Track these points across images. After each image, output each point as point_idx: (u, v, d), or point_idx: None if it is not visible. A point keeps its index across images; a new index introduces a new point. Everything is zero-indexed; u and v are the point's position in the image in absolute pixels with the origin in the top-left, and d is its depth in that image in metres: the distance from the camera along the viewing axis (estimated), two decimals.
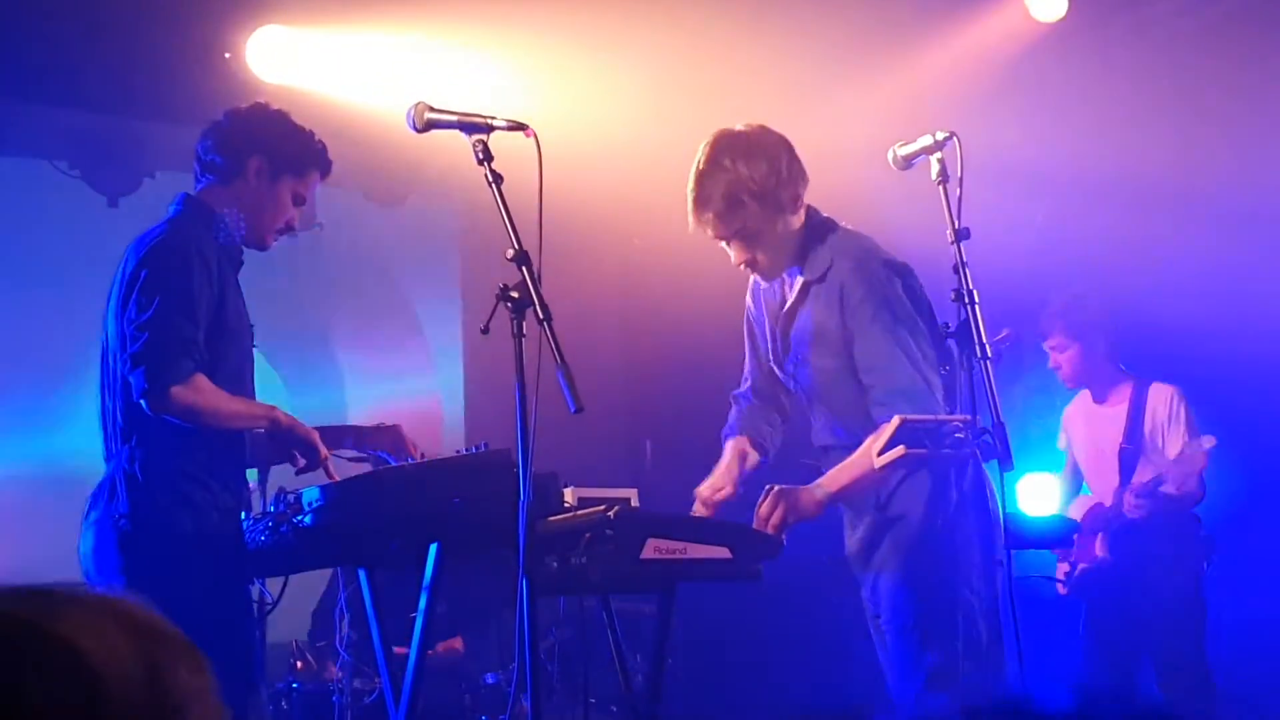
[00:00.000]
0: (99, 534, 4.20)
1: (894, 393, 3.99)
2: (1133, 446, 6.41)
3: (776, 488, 4.01)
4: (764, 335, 4.42)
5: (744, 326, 4.52)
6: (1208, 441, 6.23)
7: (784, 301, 4.28)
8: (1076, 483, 6.75)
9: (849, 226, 4.25)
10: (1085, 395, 6.67)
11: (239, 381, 4.31)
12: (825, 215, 4.24)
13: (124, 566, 4.14)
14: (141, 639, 1.30)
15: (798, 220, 4.16)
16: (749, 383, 4.55)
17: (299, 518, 4.22)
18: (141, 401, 4.08)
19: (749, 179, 4.06)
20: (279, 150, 4.41)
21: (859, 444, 4.02)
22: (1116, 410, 6.52)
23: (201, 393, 4.12)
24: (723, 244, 4.20)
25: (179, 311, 4.11)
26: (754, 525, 3.99)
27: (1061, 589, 6.54)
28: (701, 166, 4.11)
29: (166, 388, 4.06)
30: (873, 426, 3.99)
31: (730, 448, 4.46)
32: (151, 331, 4.07)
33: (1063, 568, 6.54)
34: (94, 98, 6.87)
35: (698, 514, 4.33)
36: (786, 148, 4.17)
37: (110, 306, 4.28)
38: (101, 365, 4.33)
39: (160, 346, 4.07)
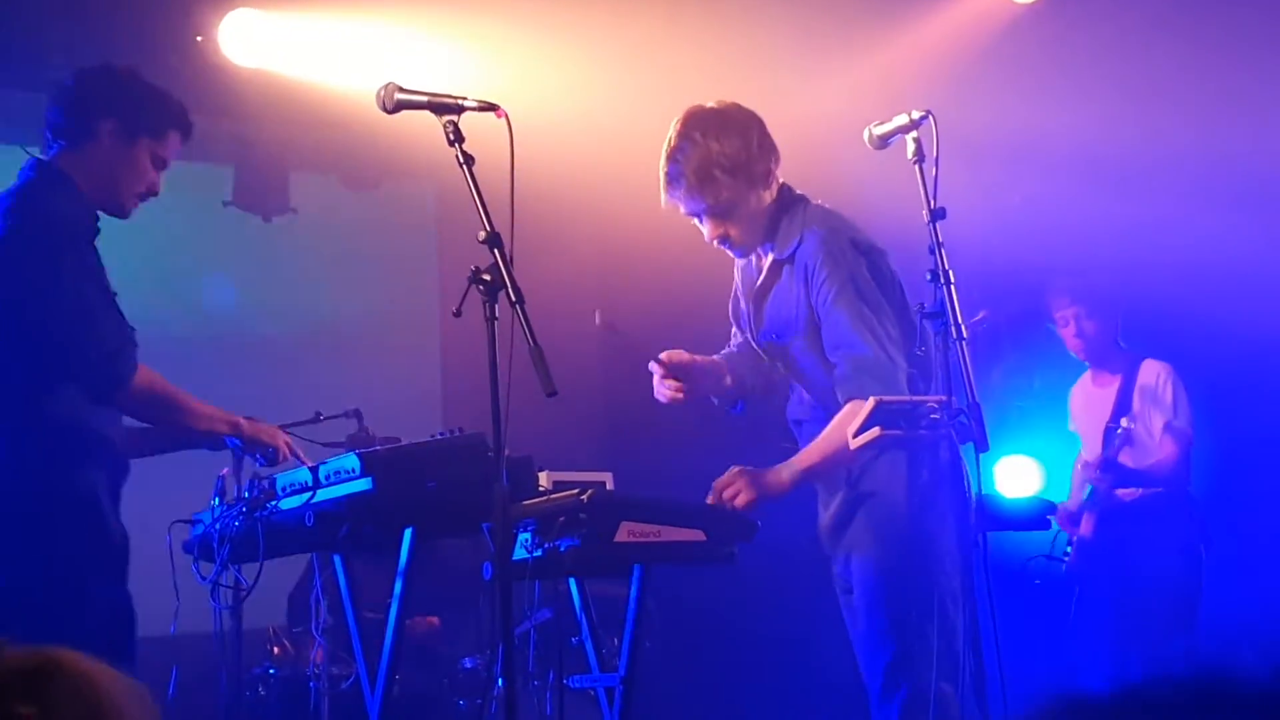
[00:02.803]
0: None
1: (858, 369, 4.00)
2: (1118, 424, 6.43)
3: (738, 468, 4.02)
4: (743, 312, 4.42)
5: (730, 303, 4.51)
6: (1158, 420, 6.26)
7: (757, 279, 4.29)
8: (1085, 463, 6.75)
9: (822, 204, 4.25)
10: (1088, 374, 6.69)
11: None
12: (798, 193, 4.23)
13: None
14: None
15: (770, 195, 4.17)
16: (734, 347, 4.53)
17: (273, 503, 4.21)
18: (105, 399, 4.00)
19: (720, 153, 4.07)
20: (133, 111, 4.27)
21: (829, 418, 4.04)
22: (1110, 388, 6.54)
23: (157, 377, 4.06)
24: (695, 220, 4.19)
25: (91, 299, 4.01)
26: (708, 499, 4.00)
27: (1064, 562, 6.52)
28: (673, 143, 4.12)
29: (122, 384, 3.99)
30: (840, 403, 4.01)
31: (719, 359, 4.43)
32: (74, 335, 3.98)
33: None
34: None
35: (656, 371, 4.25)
36: (757, 123, 4.18)
37: None
38: None
39: (93, 347, 3.99)
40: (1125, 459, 6.33)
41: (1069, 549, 6.54)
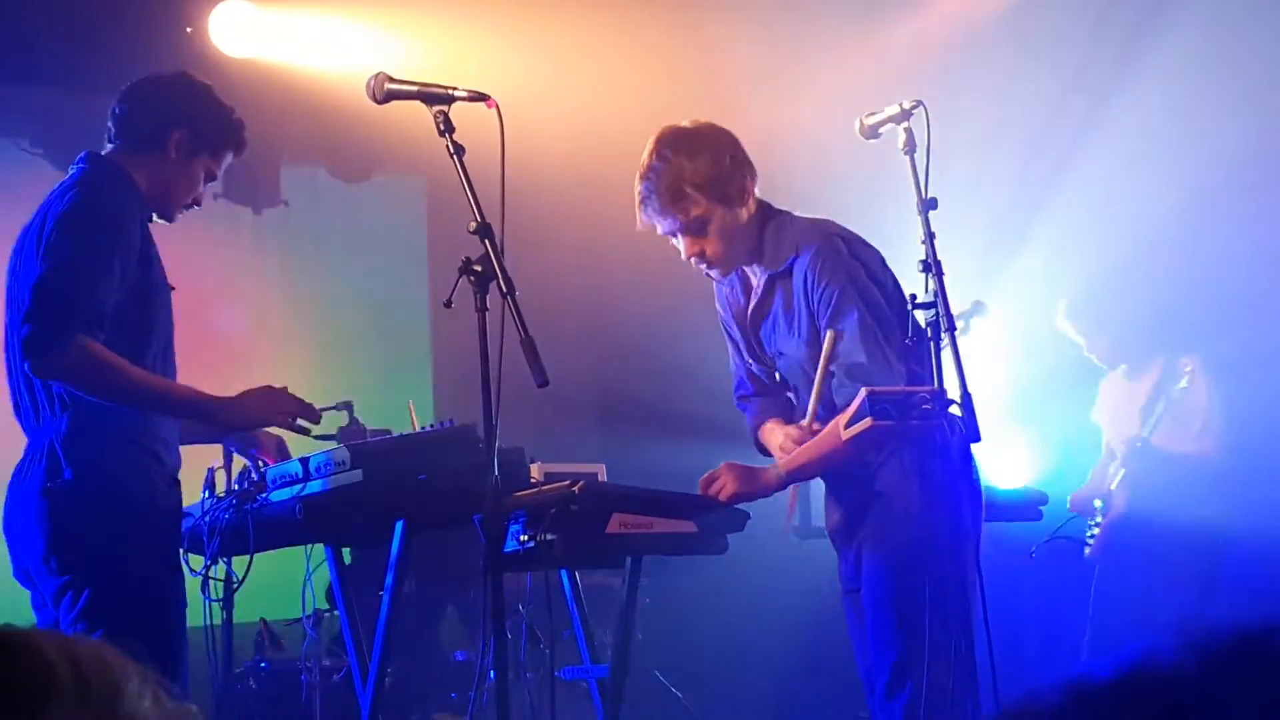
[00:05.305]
0: (31, 505, 3.99)
1: (857, 378, 3.96)
2: (1152, 414, 6.48)
3: (727, 463, 4.02)
4: (740, 338, 4.36)
5: (723, 332, 4.46)
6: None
7: (748, 302, 4.24)
8: (1111, 453, 6.78)
9: (805, 215, 4.21)
10: (1122, 368, 6.73)
11: (167, 350, 4.16)
12: (780, 208, 4.20)
13: (55, 538, 3.95)
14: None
15: (747, 213, 4.12)
16: (746, 382, 4.44)
17: (263, 496, 4.19)
18: (25, 363, 3.87)
19: (692, 171, 4.06)
20: (204, 125, 4.26)
21: None
22: (1145, 381, 6.59)
23: (93, 359, 3.87)
24: (673, 240, 4.17)
25: (83, 269, 3.92)
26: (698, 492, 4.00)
27: (1088, 551, 6.55)
28: (646, 162, 4.12)
29: (50, 349, 3.84)
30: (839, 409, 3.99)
31: (768, 428, 4.34)
32: (42, 290, 3.87)
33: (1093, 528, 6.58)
34: (55, 74, 6.81)
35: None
36: (731, 141, 4.16)
37: (20, 268, 4.06)
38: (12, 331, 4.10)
39: (49, 305, 3.86)
40: (1161, 441, 6.39)
41: (1093, 534, 6.55)
